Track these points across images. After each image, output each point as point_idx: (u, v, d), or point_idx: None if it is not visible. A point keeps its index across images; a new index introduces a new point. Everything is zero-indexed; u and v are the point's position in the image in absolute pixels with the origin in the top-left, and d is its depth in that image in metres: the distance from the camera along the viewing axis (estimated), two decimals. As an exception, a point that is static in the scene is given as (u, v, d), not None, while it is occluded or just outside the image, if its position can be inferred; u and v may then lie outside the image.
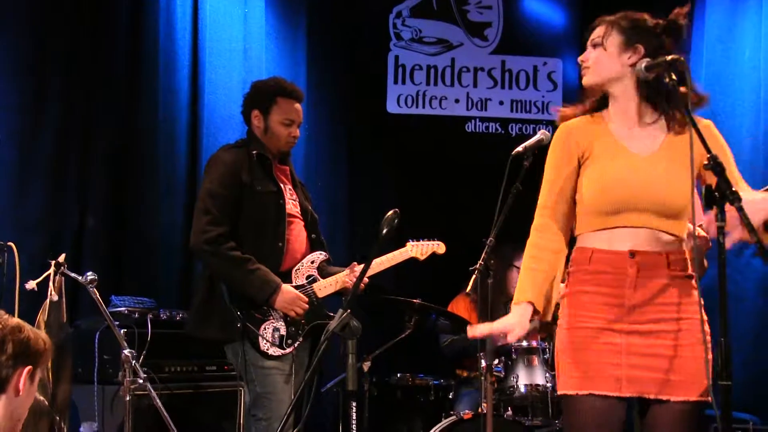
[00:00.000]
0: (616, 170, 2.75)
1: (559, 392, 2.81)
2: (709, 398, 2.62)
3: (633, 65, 2.77)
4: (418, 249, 4.39)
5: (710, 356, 2.58)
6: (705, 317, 2.72)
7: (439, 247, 4.48)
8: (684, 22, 2.82)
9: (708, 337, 2.65)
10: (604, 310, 2.71)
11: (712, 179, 2.44)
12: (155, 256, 5.38)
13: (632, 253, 2.69)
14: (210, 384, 4.62)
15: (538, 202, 2.90)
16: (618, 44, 2.80)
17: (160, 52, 5.48)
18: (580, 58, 2.89)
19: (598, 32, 2.86)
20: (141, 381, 3.70)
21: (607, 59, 2.81)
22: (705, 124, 2.77)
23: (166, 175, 5.47)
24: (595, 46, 2.85)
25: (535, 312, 2.77)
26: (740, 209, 2.34)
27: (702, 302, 2.72)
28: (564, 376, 2.77)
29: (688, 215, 2.73)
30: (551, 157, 2.92)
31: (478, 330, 2.84)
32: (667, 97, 2.75)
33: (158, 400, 3.73)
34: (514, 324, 2.75)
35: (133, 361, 3.72)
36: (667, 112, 2.77)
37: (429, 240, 4.47)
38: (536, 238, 2.87)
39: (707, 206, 2.40)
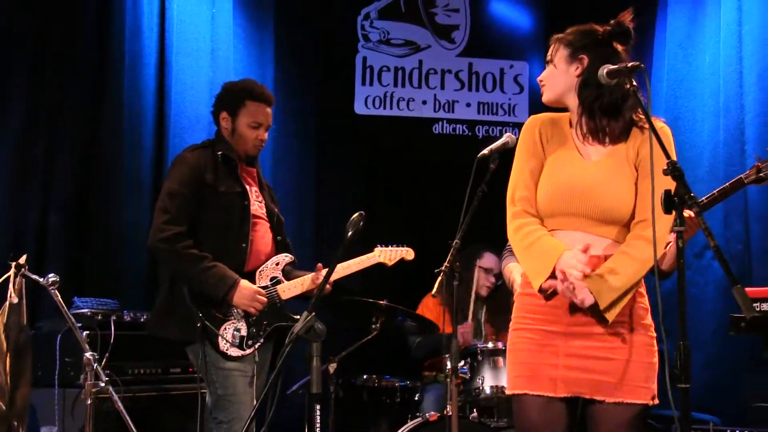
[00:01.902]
0: (566, 174, 2.82)
1: (506, 392, 2.90)
2: (650, 401, 2.67)
3: (579, 76, 2.84)
4: (387, 254, 4.39)
5: (655, 360, 2.63)
6: (650, 322, 2.77)
7: (408, 254, 4.48)
8: (631, 25, 2.87)
9: (653, 341, 2.69)
10: (546, 312, 2.79)
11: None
12: (120, 257, 5.35)
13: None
14: (174, 386, 4.60)
15: (508, 193, 2.96)
16: (564, 58, 2.89)
17: (126, 52, 5.45)
18: (538, 78, 3.00)
19: (550, 51, 2.96)
20: (102, 384, 3.66)
21: (557, 75, 2.91)
22: (660, 127, 2.80)
23: (132, 175, 5.44)
24: (547, 63, 2.96)
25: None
26: (698, 214, 2.37)
27: (648, 307, 2.77)
28: (509, 376, 2.87)
29: (628, 223, 2.77)
30: (520, 147, 3.00)
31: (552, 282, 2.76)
32: (615, 105, 2.80)
33: (120, 404, 3.70)
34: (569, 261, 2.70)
35: (95, 364, 3.68)
36: (616, 120, 2.80)
37: (398, 246, 4.47)
38: (521, 221, 2.88)
39: (666, 211, 2.42)
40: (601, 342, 2.71)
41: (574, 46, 2.87)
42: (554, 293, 2.76)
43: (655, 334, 2.74)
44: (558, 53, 2.91)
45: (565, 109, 2.98)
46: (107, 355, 4.21)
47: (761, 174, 3.60)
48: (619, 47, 2.83)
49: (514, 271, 4.47)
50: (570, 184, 2.78)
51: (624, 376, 2.69)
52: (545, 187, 2.85)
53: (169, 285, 3.89)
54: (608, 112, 2.81)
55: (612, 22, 2.87)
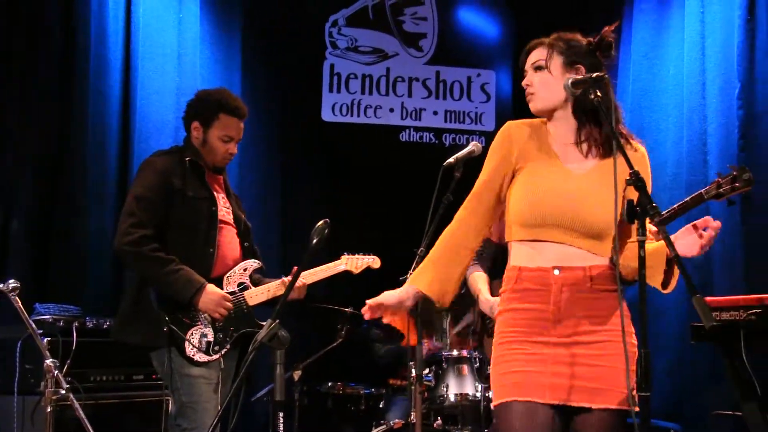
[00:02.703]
0: (548, 185, 2.77)
1: (493, 405, 2.84)
2: (631, 407, 2.67)
3: None
4: (353, 262, 4.39)
5: (633, 367, 2.63)
6: (632, 329, 2.77)
7: (374, 262, 4.48)
8: (612, 40, 2.86)
9: (634, 348, 2.70)
10: (531, 324, 2.75)
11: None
12: (83, 263, 5.30)
13: (557, 269, 2.73)
14: (137, 393, 4.56)
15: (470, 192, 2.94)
16: (560, 66, 2.80)
17: (91, 56, 5.40)
18: (524, 83, 2.87)
19: (539, 55, 2.85)
20: (63, 391, 3.62)
21: (554, 82, 2.80)
22: (641, 153, 2.83)
23: (96, 180, 5.39)
24: (537, 69, 2.84)
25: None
26: (660, 224, 2.39)
27: (629, 314, 2.77)
28: (494, 389, 2.82)
29: (608, 238, 2.75)
30: (490, 153, 2.93)
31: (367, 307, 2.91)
32: (600, 118, 2.78)
33: (81, 411, 3.66)
34: (387, 295, 2.89)
35: (56, 371, 3.64)
36: (604, 133, 2.81)
37: (364, 254, 4.47)
38: (455, 227, 2.92)
39: (629, 221, 2.45)
40: (587, 350, 2.70)
41: (570, 54, 2.80)
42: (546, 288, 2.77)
43: (636, 341, 2.74)
44: (553, 60, 2.81)
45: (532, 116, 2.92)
46: (69, 362, 4.17)
47: (720, 190, 3.65)
48: (601, 59, 2.83)
49: (478, 280, 4.48)
50: (549, 193, 2.75)
51: (610, 382, 2.68)
52: (527, 196, 2.79)
53: (135, 290, 3.86)
54: (598, 124, 2.81)
55: (598, 35, 2.85)
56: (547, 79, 2.81)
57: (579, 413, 2.71)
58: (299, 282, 4.06)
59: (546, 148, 2.85)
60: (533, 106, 2.86)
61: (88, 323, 4.50)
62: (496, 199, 2.89)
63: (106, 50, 5.48)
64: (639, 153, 2.82)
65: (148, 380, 4.61)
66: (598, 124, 2.79)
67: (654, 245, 2.73)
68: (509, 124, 2.93)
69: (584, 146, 2.81)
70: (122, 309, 3.93)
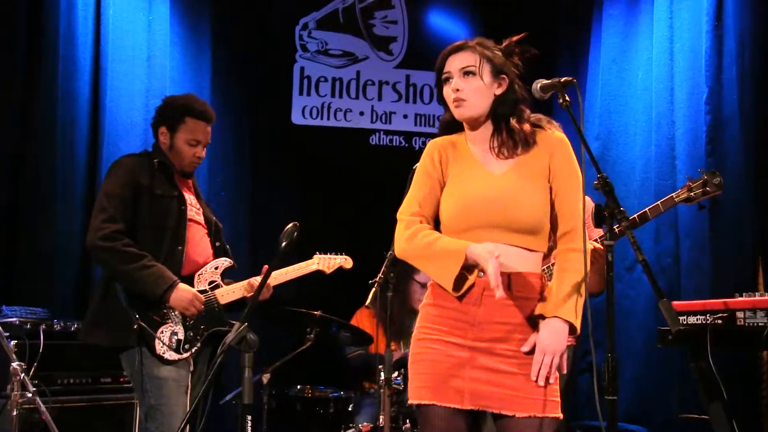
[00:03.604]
0: (474, 189, 2.80)
1: (408, 401, 2.85)
2: (555, 415, 2.69)
3: (499, 95, 2.81)
4: (325, 262, 4.40)
5: (556, 373, 2.66)
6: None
7: (346, 262, 4.50)
8: (520, 50, 2.88)
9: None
10: (451, 325, 2.76)
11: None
12: (51, 265, 5.25)
13: (481, 272, 2.73)
14: (105, 396, 4.54)
15: (398, 213, 2.88)
16: (489, 73, 2.82)
17: (60, 58, 5.36)
18: (453, 88, 2.81)
19: (468, 60, 2.83)
20: (30, 395, 3.59)
21: (484, 91, 2.80)
22: (559, 137, 2.86)
23: (64, 182, 5.35)
24: (467, 74, 2.82)
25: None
26: (627, 228, 2.42)
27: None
28: (412, 386, 2.81)
29: (541, 231, 2.79)
30: (417, 172, 2.92)
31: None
32: (518, 117, 2.82)
33: (47, 415, 3.63)
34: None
35: (22, 374, 3.61)
36: (521, 134, 2.83)
37: (336, 254, 4.48)
38: (415, 228, 2.82)
39: (597, 224, 2.47)
40: (505, 357, 2.71)
41: (497, 64, 2.81)
42: (468, 290, 2.75)
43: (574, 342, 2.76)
44: (484, 67, 2.81)
45: (459, 129, 2.92)
46: (36, 364, 4.13)
47: (691, 194, 3.71)
48: (520, 68, 2.85)
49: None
50: (476, 197, 2.77)
51: (530, 390, 2.69)
52: (451, 203, 2.82)
53: (103, 291, 3.83)
54: (514, 128, 2.83)
55: (523, 46, 2.87)
56: (479, 86, 2.80)
57: (504, 419, 2.72)
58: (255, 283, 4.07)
59: (467, 155, 2.88)
60: (462, 113, 2.83)
61: (55, 326, 4.46)
62: (435, 211, 2.89)
63: (75, 52, 5.44)
64: (556, 138, 2.84)
65: (116, 383, 4.58)
66: (513, 129, 2.82)
67: (554, 281, 2.75)
68: (433, 143, 2.94)
69: (503, 148, 2.83)
70: (90, 311, 3.90)
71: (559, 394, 2.72)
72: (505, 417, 2.70)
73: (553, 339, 2.64)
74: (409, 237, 2.80)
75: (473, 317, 2.74)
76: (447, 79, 2.85)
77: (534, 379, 2.66)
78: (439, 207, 2.87)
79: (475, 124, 2.85)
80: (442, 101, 2.92)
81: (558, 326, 2.66)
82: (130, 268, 3.74)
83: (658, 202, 3.67)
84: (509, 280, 2.74)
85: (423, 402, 2.75)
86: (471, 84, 2.80)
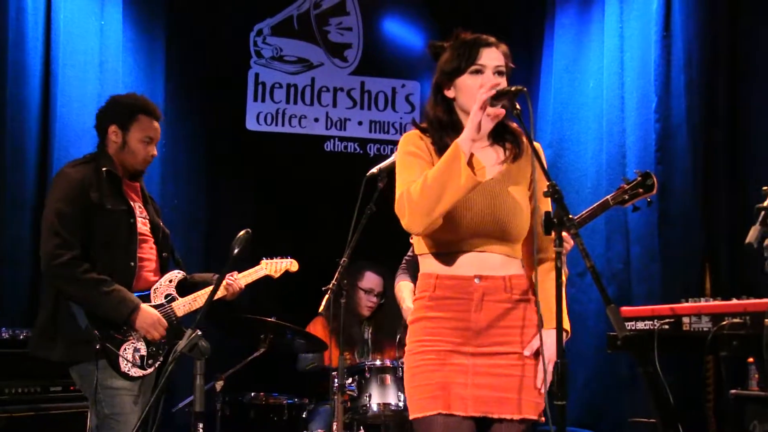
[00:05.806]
0: (467, 198, 2.74)
1: (411, 417, 2.80)
2: (542, 417, 2.72)
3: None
4: (272, 266, 4.47)
5: (549, 377, 2.68)
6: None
7: (292, 265, 4.55)
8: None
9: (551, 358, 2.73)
10: (451, 334, 2.74)
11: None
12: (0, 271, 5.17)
13: (477, 278, 2.75)
14: (54, 406, 4.46)
15: (402, 189, 2.73)
16: (505, 80, 2.81)
17: (9, 62, 5.27)
18: (493, 81, 2.69)
19: (501, 59, 2.82)
20: (-24, 404, 3.53)
21: None
22: (537, 146, 2.84)
23: (14, 189, 5.26)
24: (499, 74, 2.80)
25: None
26: (575, 236, 2.45)
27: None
28: (413, 400, 2.78)
29: (522, 239, 2.82)
30: (406, 153, 2.82)
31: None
32: (503, 126, 2.83)
33: (-5, 425, 3.58)
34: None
35: (-31, 384, 3.55)
36: (504, 140, 2.86)
37: (282, 258, 4.53)
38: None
39: (546, 232, 2.49)
40: (504, 359, 2.72)
41: (508, 74, 2.82)
42: (468, 296, 2.75)
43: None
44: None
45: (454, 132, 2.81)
46: (-17, 374, 4.07)
47: (626, 196, 3.77)
48: None
49: (404, 290, 4.51)
50: (471, 205, 2.74)
51: (522, 392, 2.71)
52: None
53: (52, 303, 3.78)
54: (515, 132, 2.86)
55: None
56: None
57: (498, 423, 2.73)
58: (231, 282, 4.12)
59: None
60: (498, 111, 2.65)
61: (3, 334, 4.39)
62: None
63: (24, 57, 5.36)
64: (536, 147, 2.78)
65: (66, 392, 4.51)
66: (509, 129, 2.85)
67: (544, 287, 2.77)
68: (413, 133, 2.86)
69: (491, 153, 2.85)
70: (40, 323, 3.84)
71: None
72: (500, 421, 2.71)
73: (555, 348, 2.62)
74: (413, 196, 2.64)
75: (475, 324, 2.74)
76: (478, 71, 2.79)
77: (539, 386, 2.69)
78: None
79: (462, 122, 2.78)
80: (439, 92, 2.86)
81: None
82: (92, 295, 3.72)
83: (595, 205, 3.74)
84: (508, 281, 2.76)
85: (428, 414, 2.70)
86: (502, 85, 2.72)
